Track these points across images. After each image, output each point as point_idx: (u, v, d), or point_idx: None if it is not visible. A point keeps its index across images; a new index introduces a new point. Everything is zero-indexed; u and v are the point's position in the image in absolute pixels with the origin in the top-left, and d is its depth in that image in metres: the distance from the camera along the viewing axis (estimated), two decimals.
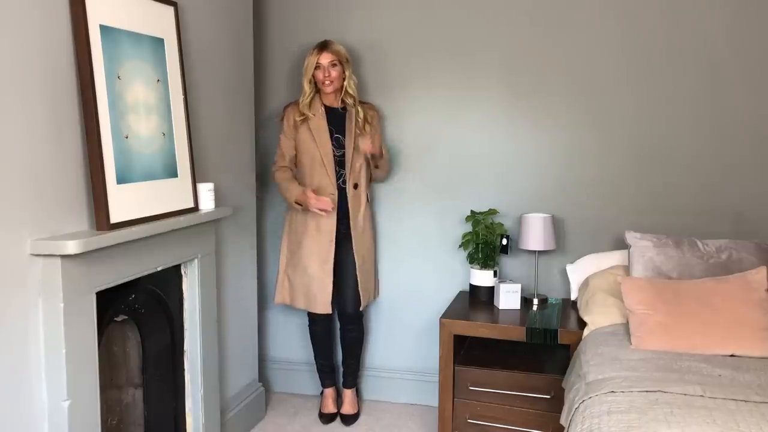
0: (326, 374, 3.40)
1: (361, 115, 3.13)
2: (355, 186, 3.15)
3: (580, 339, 2.69)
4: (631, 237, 2.84)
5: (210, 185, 2.61)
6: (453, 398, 2.94)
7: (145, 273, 2.28)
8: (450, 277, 3.41)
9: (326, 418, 3.33)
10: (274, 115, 3.48)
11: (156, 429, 2.54)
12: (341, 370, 3.44)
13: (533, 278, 3.20)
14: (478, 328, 2.92)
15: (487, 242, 3.17)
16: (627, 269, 2.88)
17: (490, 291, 3.17)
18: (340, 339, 3.41)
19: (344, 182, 3.14)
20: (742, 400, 1.94)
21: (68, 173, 1.98)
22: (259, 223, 3.49)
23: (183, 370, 2.61)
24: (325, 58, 3.04)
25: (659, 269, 2.73)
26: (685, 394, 1.97)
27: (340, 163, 3.13)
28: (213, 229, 2.72)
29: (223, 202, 2.83)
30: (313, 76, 3.07)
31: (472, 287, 3.22)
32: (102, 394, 2.18)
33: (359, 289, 3.18)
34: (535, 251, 3.14)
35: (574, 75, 3.19)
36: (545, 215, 3.10)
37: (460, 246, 3.30)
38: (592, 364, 2.31)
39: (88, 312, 2.00)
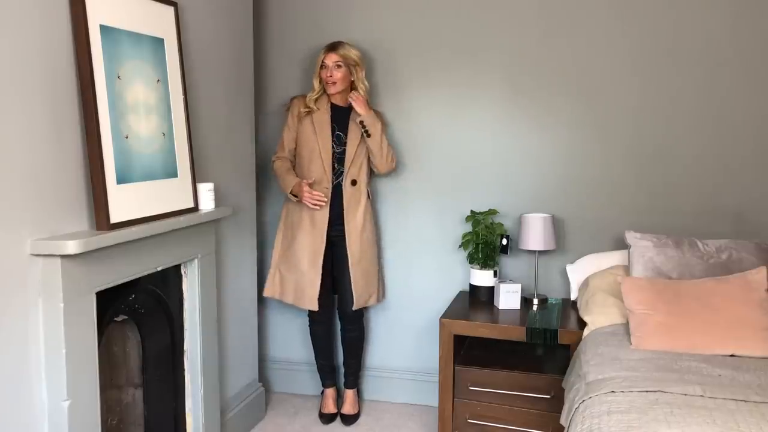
0: (327, 374, 3.40)
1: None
2: (353, 182, 3.15)
3: (580, 339, 2.69)
4: (631, 237, 2.84)
5: (210, 185, 2.61)
6: (453, 398, 2.94)
7: (145, 273, 2.28)
8: (450, 277, 3.41)
9: (326, 418, 3.33)
10: (274, 112, 3.49)
11: (156, 429, 2.54)
12: (342, 370, 3.44)
13: (533, 278, 3.20)
14: (478, 328, 2.92)
15: (487, 242, 3.17)
16: (627, 269, 2.88)
17: (490, 291, 3.17)
18: (340, 339, 3.41)
19: (343, 180, 3.14)
20: (742, 400, 1.94)
21: (68, 173, 1.98)
22: (259, 222, 3.49)
23: (183, 370, 2.61)
24: (330, 59, 3.07)
25: (659, 269, 2.73)
26: (685, 394, 1.97)
27: (339, 160, 3.14)
28: (213, 229, 2.72)
29: (223, 202, 2.83)
30: (320, 74, 3.10)
31: (472, 287, 3.22)
32: (102, 394, 2.18)
33: (353, 288, 3.17)
34: (535, 251, 3.14)
35: (575, 75, 3.19)
36: (545, 215, 3.09)
37: (460, 246, 3.30)
38: (592, 364, 2.31)
39: (88, 312, 2.00)
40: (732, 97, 3.05)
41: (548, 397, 2.81)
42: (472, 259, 3.23)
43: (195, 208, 2.53)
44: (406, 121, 3.39)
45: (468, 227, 3.26)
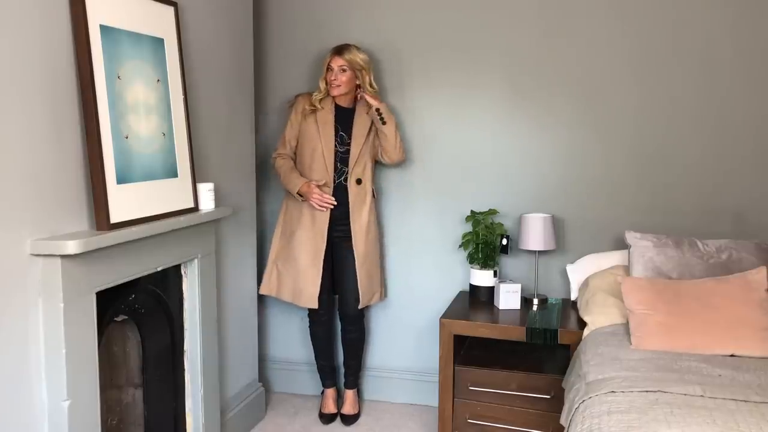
0: (327, 374, 3.40)
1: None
2: (358, 181, 3.15)
3: (580, 339, 2.69)
4: (631, 237, 2.84)
5: (210, 185, 2.61)
6: (453, 398, 2.94)
7: (145, 273, 2.28)
8: (450, 277, 3.41)
9: (326, 418, 3.33)
10: (274, 112, 3.49)
11: (156, 429, 2.54)
12: (342, 370, 3.44)
13: (533, 278, 3.20)
14: (478, 328, 2.92)
15: (487, 242, 3.16)
16: (627, 269, 2.88)
17: (490, 291, 3.17)
18: (341, 340, 3.41)
19: (346, 180, 3.14)
20: (742, 400, 1.94)
21: (68, 173, 1.98)
22: (259, 222, 3.49)
23: (183, 370, 2.61)
24: (336, 62, 3.08)
25: (659, 269, 2.73)
26: (685, 394, 1.97)
27: (342, 160, 3.14)
28: (213, 229, 2.72)
29: (223, 202, 2.83)
30: (326, 76, 3.12)
31: (472, 287, 3.22)
32: (102, 394, 2.18)
33: (359, 288, 3.18)
34: (535, 251, 3.14)
35: (575, 75, 3.19)
36: (545, 215, 3.09)
37: (460, 246, 3.30)
38: (592, 364, 2.31)
39: (88, 312, 2.00)
40: (732, 97, 3.05)
41: (548, 397, 2.81)
42: (472, 259, 3.23)
43: (195, 208, 2.53)
44: (407, 121, 3.38)
45: (468, 227, 3.26)
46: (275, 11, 3.50)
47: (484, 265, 3.19)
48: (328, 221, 3.12)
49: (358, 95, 3.15)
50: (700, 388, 2.01)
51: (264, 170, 3.45)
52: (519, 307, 3.07)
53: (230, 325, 3.04)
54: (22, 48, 1.81)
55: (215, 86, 2.86)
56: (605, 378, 2.15)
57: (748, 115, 3.04)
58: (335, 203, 3.09)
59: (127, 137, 2.15)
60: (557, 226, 3.20)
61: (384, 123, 3.11)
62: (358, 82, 3.14)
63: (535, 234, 3.07)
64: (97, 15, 2.03)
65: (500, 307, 3.07)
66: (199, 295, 2.61)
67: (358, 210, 3.16)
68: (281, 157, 3.20)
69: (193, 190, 2.53)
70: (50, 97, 1.90)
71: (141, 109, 2.24)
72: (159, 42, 2.36)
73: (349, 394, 3.38)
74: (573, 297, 3.13)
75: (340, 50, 3.10)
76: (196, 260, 2.59)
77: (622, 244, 3.02)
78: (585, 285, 3.02)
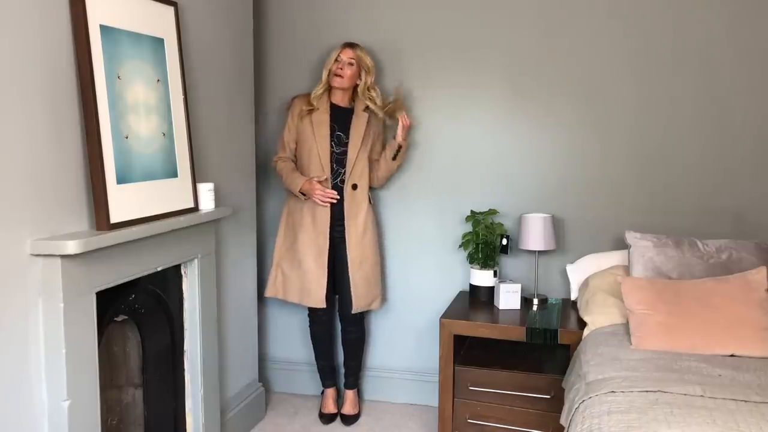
0: (327, 375, 3.40)
1: (381, 116, 3.18)
2: (354, 186, 3.15)
3: (580, 339, 2.69)
4: (631, 237, 2.84)
5: (210, 185, 2.61)
6: (453, 398, 2.94)
7: (145, 273, 2.28)
8: (450, 277, 3.41)
9: (326, 418, 3.33)
10: (274, 112, 3.49)
11: (156, 429, 2.54)
12: (342, 370, 3.44)
13: (533, 278, 3.20)
14: (478, 328, 2.92)
15: (487, 242, 3.17)
16: (627, 269, 2.88)
17: (490, 291, 3.17)
18: (341, 340, 3.41)
19: (342, 181, 3.14)
20: (742, 400, 1.94)
21: (68, 173, 1.98)
22: (259, 222, 3.49)
23: (183, 370, 2.61)
24: (346, 54, 3.10)
25: (659, 269, 2.73)
26: (685, 394, 1.97)
27: (339, 161, 3.14)
28: (213, 229, 2.72)
29: (223, 202, 2.83)
30: (331, 68, 3.12)
31: (472, 287, 3.22)
32: (102, 394, 2.18)
33: (351, 292, 3.16)
34: (535, 251, 3.14)
35: (575, 75, 3.19)
36: (545, 215, 3.09)
37: (460, 246, 3.30)
38: (592, 364, 2.31)
39: (88, 312, 2.00)
40: (732, 97, 3.05)
41: (548, 397, 2.81)
42: (472, 259, 3.23)
43: (195, 208, 2.53)
44: None
45: (468, 227, 3.26)
46: (275, 11, 3.50)
47: (484, 265, 3.19)
48: (329, 222, 3.12)
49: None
50: (700, 388, 2.01)
51: (264, 170, 3.45)
52: (519, 307, 3.07)
53: (230, 325, 3.04)
54: (22, 48, 1.81)
55: (215, 86, 2.87)
56: (605, 378, 2.15)
57: (748, 115, 3.04)
58: (338, 197, 3.09)
59: (127, 137, 2.15)
60: (557, 226, 3.20)
61: (394, 159, 3.17)
62: (357, 83, 3.14)
63: (535, 234, 3.07)
64: (97, 15, 2.03)
65: (500, 307, 3.07)
66: (199, 295, 2.61)
67: (353, 215, 3.15)
68: (282, 160, 3.20)
69: (193, 190, 2.53)
70: (50, 97, 1.90)
71: (141, 109, 2.24)
72: (159, 42, 2.36)
73: (349, 394, 3.37)
74: (573, 297, 3.13)
75: (351, 45, 3.13)
76: (196, 260, 2.59)
77: (622, 244, 3.02)
78: (585, 285, 3.02)
